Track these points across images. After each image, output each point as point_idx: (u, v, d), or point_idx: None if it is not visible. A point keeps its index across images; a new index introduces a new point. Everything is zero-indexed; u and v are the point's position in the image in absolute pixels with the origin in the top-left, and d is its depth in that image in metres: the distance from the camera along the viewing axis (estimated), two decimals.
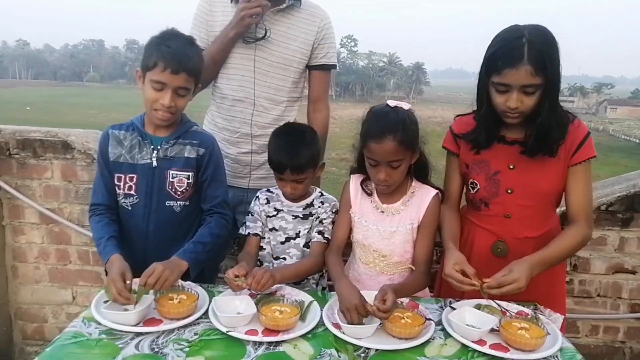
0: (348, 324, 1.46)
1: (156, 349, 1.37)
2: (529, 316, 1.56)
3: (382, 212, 1.80)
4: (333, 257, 1.79)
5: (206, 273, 1.91)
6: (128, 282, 1.54)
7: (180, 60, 1.66)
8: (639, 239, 2.55)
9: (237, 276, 1.58)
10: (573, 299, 2.63)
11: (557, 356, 1.40)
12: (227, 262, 2.66)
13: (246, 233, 1.92)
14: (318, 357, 1.37)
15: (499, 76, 1.54)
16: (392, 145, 1.61)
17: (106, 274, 1.66)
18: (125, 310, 1.49)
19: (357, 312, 1.47)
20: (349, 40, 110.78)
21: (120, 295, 1.49)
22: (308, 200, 1.92)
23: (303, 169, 1.78)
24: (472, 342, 1.43)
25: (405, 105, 1.70)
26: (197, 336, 1.44)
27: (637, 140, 49.32)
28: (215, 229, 1.83)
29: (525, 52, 1.48)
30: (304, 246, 1.90)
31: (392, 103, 1.70)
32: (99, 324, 1.46)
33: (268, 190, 1.98)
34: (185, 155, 1.80)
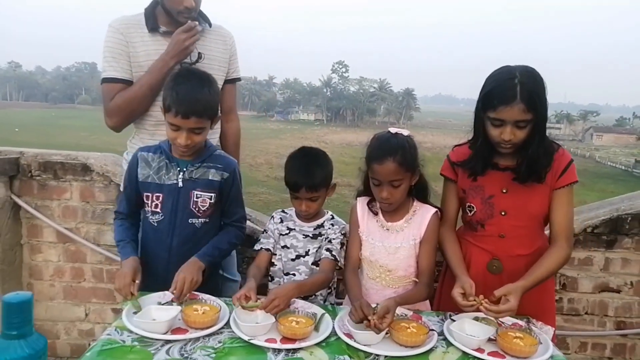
0: (353, 320, 1.62)
1: (185, 355, 1.48)
2: (523, 327, 1.70)
3: (387, 229, 1.96)
4: (350, 275, 1.96)
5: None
6: (137, 281, 1.75)
7: (189, 106, 1.77)
8: (622, 260, 2.72)
9: (247, 299, 1.71)
10: (562, 316, 2.77)
11: None
12: None
13: (258, 248, 2.07)
14: None
15: (495, 112, 1.72)
16: (393, 166, 1.79)
17: None
18: (153, 320, 1.63)
19: (360, 309, 1.61)
20: (340, 66, 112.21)
21: (123, 289, 1.71)
22: (319, 221, 2.07)
23: (317, 188, 1.94)
24: (472, 349, 1.55)
25: (405, 132, 1.89)
26: (221, 344, 1.56)
27: (623, 167, 50.21)
28: (233, 239, 2.03)
29: (518, 92, 1.67)
30: (312, 264, 2.03)
31: (393, 130, 1.90)
32: (130, 332, 1.58)
33: (283, 211, 2.14)
34: (210, 177, 1.94)
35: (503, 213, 1.88)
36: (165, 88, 1.86)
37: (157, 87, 2.08)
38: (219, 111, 2.00)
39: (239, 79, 2.45)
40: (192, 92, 1.79)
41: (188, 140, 1.81)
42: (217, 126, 2.36)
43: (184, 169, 1.93)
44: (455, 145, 2.05)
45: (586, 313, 2.79)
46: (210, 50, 2.26)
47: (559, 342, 2.75)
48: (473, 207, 1.93)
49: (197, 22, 2.12)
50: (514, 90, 1.67)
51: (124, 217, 2.02)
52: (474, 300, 1.67)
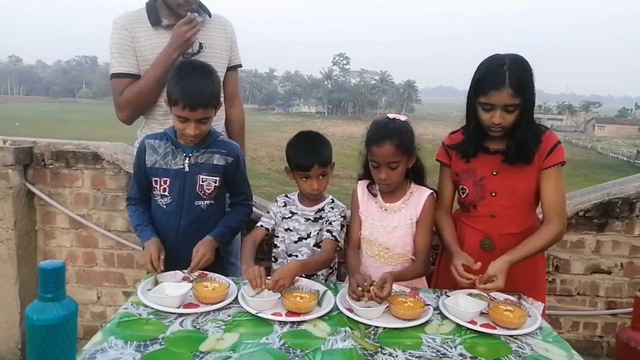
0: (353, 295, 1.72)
1: (198, 327, 1.59)
2: (514, 302, 1.80)
3: (386, 210, 2.07)
4: (351, 254, 2.08)
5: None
6: (162, 257, 1.92)
7: (196, 99, 1.86)
8: (613, 242, 2.82)
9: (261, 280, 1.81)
10: (555, 297, 2.88)
11: (536, 333, 1.64)
12: None
13: (259, 225, 2.20)
14: (335, 333, 1.59)
15: (485, 97, 1.83)
16: (390, 149, 1.90)
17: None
18: (166, 295, 1.74)
19: (356, 284, 1.72)
20: (341, 58, 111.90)
21: (150, 264, 1.87)
22: (320, 205, 2.17)
23: (326, 162, 2.07)
24: (465, 322, 1.66)
25: (402, 117, 2.01)
26: (230, 317, 1.67)
27: (625, 158, 50.18)
28: (242, 216, 2.19)
29: (506, 77, 1.79)
30: (314, 246, 2.14)
31: (391, 115, 2.01)
32: (146, 306, 1.69)
33: (286, 196, 2.25)
34: (214, 162, 2.06)
35: (493, 194, 1.98)
36: (169, 82, 1.93)
37: (163, 79, 2.16)
38: (222, 99, 2.09)
39: (240, 66, 2.55)
40: (197, 85, 1.87)
41: (196, 130, 1.92)
42: (222, 113, 2.46)
43: (190, 155, 2.03)
44: (451, 132, 2.16)
45: (578, 294, 2.90)
46: (212, 40, 2.35)
47: (552, 321, 2.87)
48: (465, 190, 2.04)
49: (197, 14, 2.20)
50: (503, 76, 1.78)
51: (137, 202, 2.14)
52: (472, 275, 1.78)
